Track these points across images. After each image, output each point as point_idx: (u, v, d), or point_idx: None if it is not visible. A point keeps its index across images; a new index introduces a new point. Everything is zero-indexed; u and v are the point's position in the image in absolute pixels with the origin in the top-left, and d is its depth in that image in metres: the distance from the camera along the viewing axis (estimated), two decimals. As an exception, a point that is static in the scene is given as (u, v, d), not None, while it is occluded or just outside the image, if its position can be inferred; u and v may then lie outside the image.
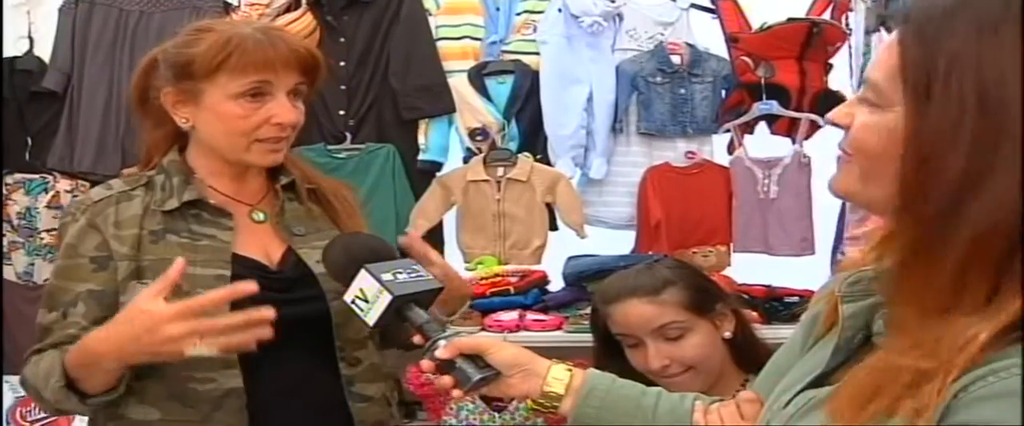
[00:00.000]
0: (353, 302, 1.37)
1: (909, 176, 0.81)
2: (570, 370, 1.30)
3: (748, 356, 1.79)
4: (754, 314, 2.59)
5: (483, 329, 2.87)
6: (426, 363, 1.31)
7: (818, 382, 0.95)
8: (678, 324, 1.77)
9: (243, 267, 1.56)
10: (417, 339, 1.36)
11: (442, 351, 1.29)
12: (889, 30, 3.11)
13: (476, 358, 1.30)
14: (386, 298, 1.33)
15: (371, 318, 1.35)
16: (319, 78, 1.66)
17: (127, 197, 1.61)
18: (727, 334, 1.81)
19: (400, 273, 1.37)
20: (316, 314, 1.58)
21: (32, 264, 3.35)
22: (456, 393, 1.30)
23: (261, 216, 1.65)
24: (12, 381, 3.28)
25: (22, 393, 2.82)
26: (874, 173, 0.86)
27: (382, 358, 1.68)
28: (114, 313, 1.50)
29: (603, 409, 1.26)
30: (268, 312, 1.40)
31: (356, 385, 1.62)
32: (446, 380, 1.29)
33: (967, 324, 0.76)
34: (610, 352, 1.86)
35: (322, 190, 1.73)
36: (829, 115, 0.95)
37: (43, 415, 3.32)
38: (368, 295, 1.35)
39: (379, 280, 1.34)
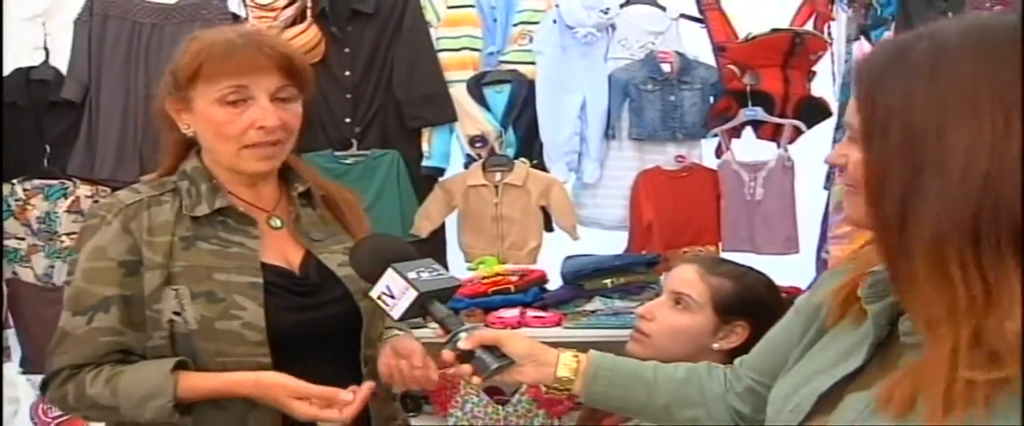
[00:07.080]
0: (379, 297, 1.46)
1: (873, 199, 0.97)
2: (577, 356, 1.47)
3: None
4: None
5: (486, 326, 2.90)
6: (447, 353, 1.44)
7: (853, 378, 1.05)
8: (690, 300, 1.86)
9: (272, 274, 1.60)
10: (438, 331, 1.49)
11: (464, 342, 1.42)
12: (869, 39, 3.18)
13: (493, 348, 1.44)
14: (412, 294, 1.43)
15: (397, 312, 1.45)
16: (305, 80, 1.64)
17: (157, 202, 1.60)
18: (717, 346, 1.83)
19: (423, 272, 1.47)
20: (343, 315, 1.63)
21: (52, 266, 3.39)
22: (476, 380, 1.44)
23: (278, 222, 1.68)
24: (34, 380, 3.30)
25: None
26: None
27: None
28: (143, 319, 1.54)
29: (610, 385, 1.45)
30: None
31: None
32: (466, 368, 1.44)
33: (996, 324, 0.88)
34: None
35: (332, 196, 1.77)
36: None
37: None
38: (395, 291, 1.45)
39: (405, 278, 1.44)
